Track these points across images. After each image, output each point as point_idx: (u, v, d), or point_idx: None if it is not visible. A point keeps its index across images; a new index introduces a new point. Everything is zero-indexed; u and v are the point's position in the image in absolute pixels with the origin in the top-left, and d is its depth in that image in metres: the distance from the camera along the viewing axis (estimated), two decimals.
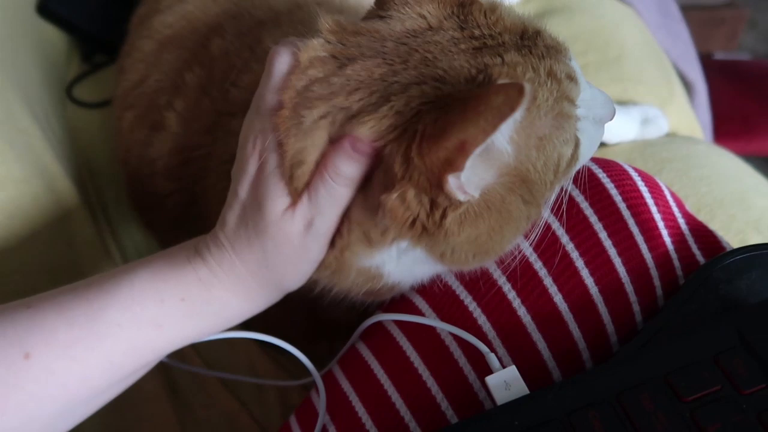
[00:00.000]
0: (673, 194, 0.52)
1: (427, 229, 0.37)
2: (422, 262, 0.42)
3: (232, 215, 0.41)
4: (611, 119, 0.44)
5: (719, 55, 1.76)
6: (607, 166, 0.50)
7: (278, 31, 0.61)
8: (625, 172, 0.50)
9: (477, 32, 0.39)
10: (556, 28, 0.89)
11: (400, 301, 0.49)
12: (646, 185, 0.49)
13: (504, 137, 0.36)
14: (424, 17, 0.40)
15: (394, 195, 0.36)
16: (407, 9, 0.41)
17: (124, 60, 0.68)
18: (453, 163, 0.33)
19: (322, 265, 0.43)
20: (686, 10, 1.63)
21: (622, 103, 0.83)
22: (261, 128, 0.39)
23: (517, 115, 0.32)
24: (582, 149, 0.41)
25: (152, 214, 0.69)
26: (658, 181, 0.52)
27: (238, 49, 0.61)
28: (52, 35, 0.88)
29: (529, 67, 0.38)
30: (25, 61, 0.77)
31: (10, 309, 0.39)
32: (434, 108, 0.36)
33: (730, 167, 0.76)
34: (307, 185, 0.38)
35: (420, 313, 0.47)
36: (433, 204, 0.37)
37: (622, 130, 0.79)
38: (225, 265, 0.40)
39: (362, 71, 0.38)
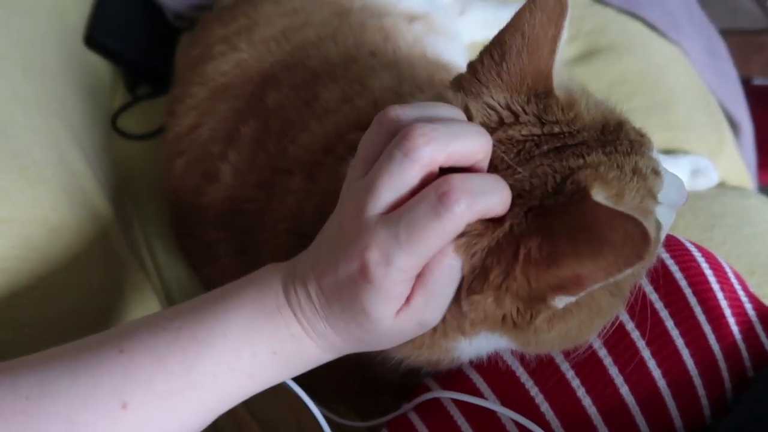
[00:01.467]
0: (736, 274, 0.51)
1: (517, 325, 0.37)
2: (495, 342, 0.42)
3: (327, 287, 0.36)
4: (684, 203, 0.43)
5: (758, 81, 1.73)
6: (669, 245, 0.49)
7: (335, 87, 0.61)
8: (687, 252, 0.49)
9: (557, 129, 0.37)
10: (602, 70, 0.89)
11: (456, 376, 0.48)
12: (710, 267, 0.48)
13: None
14: (494, 109, 0.38)
15: (489, 299, 0.35)
16: (477, 99, 0.38)
17: (175, 105, 0.69)
18: (565, 290, 0.33)
19: (412, 343, 0.41)
20: (725, 34, 1.61)
21: (671, 151, 0.82)
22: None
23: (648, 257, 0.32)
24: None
25: (200, 257, 0.69)
26: (720, 260, 0.51)
27: (294, 102, 0.61)
28: (98, 65, 0.88)
29: (613, 165, 0.37)
30: (72, 93, 0.78)
31: (101, 352, 0.38)
32: (534, 225, 0.34)
33: None
34: (418, 287, 0.35)
35: (478, 392, 0.46)
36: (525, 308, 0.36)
37: None
38: (319, 331, 0.39)
39: None
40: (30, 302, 0.54)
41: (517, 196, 0.35)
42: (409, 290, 0.35)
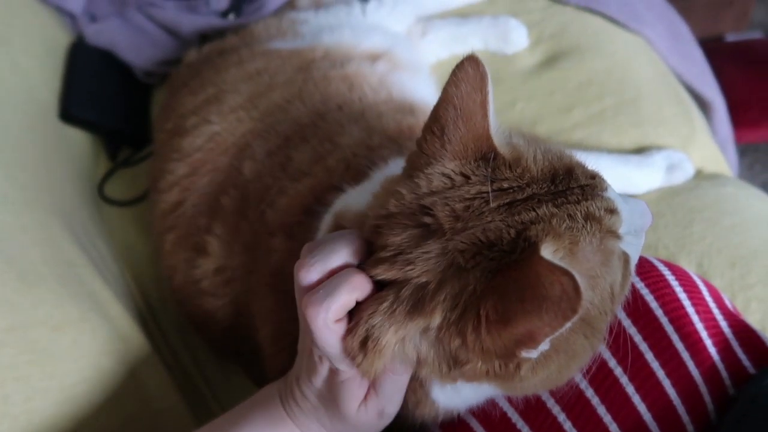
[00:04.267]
0: (710, 288, 0.53)
1: (501, 377, 0.39)
2: (482, 392, 0.45)
3: (310, 393, 0.45)
4: (650, 224, 0.45)
5: (731, 37, 1.73)
6: (642, 270, 0.51)
7: (306, 147, 0.63)
8: (661, 277, 0.51)
9: (506, 185, 0.39)
10: (568, 73, 0.90)
11: (457, 426, 0.51)
12: (684, 290, 0.50)
13: None
14: (448, 177, 0.40)
15: (470, 365, 0.38)
16: (430, 169, 0.41)
17: (158, 180, 0.70)
18: (525, 345, 0.36)
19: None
20: None
21: (644, 148, 0.83)
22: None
23: (581, 310, 0.34)
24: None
25: (202, 324, 0.72)
26: (693, 277, 0.53)
27: (269, 169, 0.63)
28: (77, 137, 0.90)
29: (564, 216, 0.38)
30: (56, 175, 0.80)
31: None
32: (489, 288, 0.36)
33: (761, 210, 0.76)
34: (371, 387, 0.42)
35: None
36: (506, 362, 0.39)
37: (648, 181, 0.80)
38: (314, 429, 0.47)
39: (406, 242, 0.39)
40: (48, 403, 0.57)
41: (476, 254, 0.37)
42: (366, 388, 0.43)
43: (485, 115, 0.40)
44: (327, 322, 0.38)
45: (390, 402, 0.43)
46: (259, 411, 0.47)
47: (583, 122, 0.86)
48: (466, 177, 0.40)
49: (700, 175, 0.84)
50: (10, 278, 0.59)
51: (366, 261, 0.40)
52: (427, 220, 0.38)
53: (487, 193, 0.39)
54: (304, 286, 0.40)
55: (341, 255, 0.40)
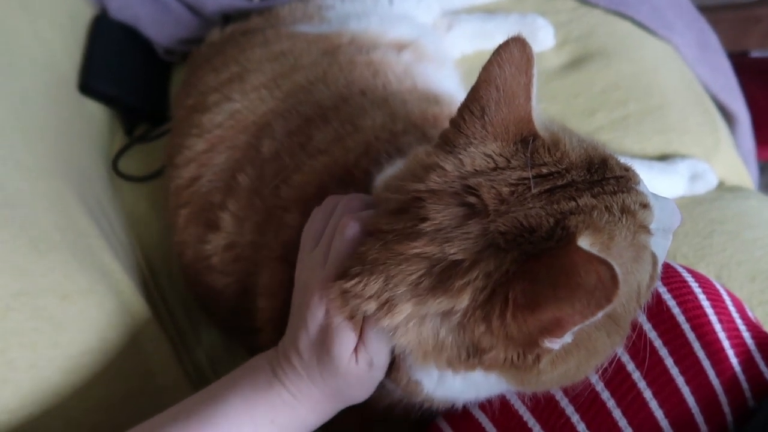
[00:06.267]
0: (734, 299, 0.52)
1: (518, 368, 0.38)
2: (493, 385, 0.44)
3: (303, 347, 0.45)
4: (679, 224, 0.44)
5: (756, 54, 1.71)
6: (666, 276, 0.50)
7: (328, 127, 0.62)
8: (685, 283, 0.50)
9: (545, 170, 0.39)
10: (594, 76, 0.89)
11: (466, 418, 0.50)
12: (707, 297, 0.49)
13: None
14: (490, 157, 0.40)
15: (492, 353, 0.37)
16: (472, 149, 0.41)
17: (175, 156, 0.70)
18: (550, 333, 0.35)
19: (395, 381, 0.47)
20: (720, 9, 1.59)
21: (667, 156, 0.82)
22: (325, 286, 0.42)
23: (616, 300, 0.33)
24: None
25: (209, 302, 0.71)
26: (717, 286, 0.52)
27: (288, 148, 0.62)
28: (94, 111, 0.89)
29: (603, 208, 0.38)
30: (72, 146, 0.79)
31: None
32: (521, 271, 0.36)
33: None
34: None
35: None
36: (525, 352, 0.38)
37: (670, 188, 0.78)
38: (304, 390, 0.46)
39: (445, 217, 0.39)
40: (52, 372, 0.56)
41: (516, 237, 0.37)
42: (356, 337, 0.43)
43: (528, 98, 0.40)
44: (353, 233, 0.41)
45: (378, 353, 0.43)
46: (247, 380, 0.47)
47: (605, 126, 0.84)
48: (507, 159, 0.40)
49: (722, 187, 0.82)
50: (22, 244, 0.58)
51: (399, 228, 0.39)
52: (472, 200, 0.38)
53: (529, 179, 0.39)
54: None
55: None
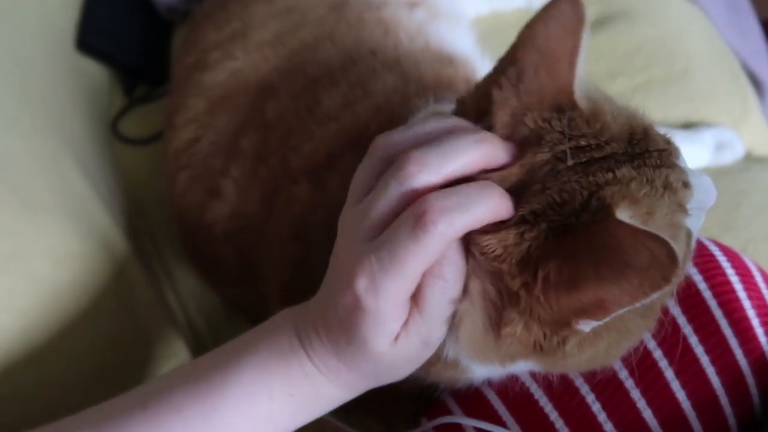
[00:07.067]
0: (763, 274, 0.49)
1: (544, 350, 0.35)
2: (517, 366, 0.41)
3: (332, 320, 0.36)
4: (713, 202, 0.41)
5: None
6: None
7: (336, 92, 0.59)
8: (712, 257, 0.47)
9: (584, 142, 0.35)
10: (616, 39, 0.85)
11: (476, 398, 0.48)
12: (736, 273, 0.46)
13: None
14: (527, 125, 0.36)
15: (519, 327, 0.34)
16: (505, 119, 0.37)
17: (174, 116, 0.67)
18: (588, 314, 0.32)
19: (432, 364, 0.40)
20: None
21: (693, 124, 0.78)
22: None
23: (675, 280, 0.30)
24: None
25: (209, 270, 0.69)
26: (746, 261, 0.49)
27: (294, 111, 0.59)
28: (93, 70, 0.86)
29: (643, 180, 0.34)
30: (69, 105, 0.76)
31: (127, 409, 0.39)
32: (556, 245, 0.32)
33: None
34: (414, 310, 0.35)
35: (499, 418, 0.46)
36: (553, 333, 0.35)
37: (694, 158, 0.75)
38: (331, 366, 0.38)
39: None
40: (45, 337, 0.54)
41: (544, 212, 0.33)
42: (406, 314, 0.34)
43: (573, 65, 0.36)
44: (443, 237, 0.31)
45: (439, 328, 0.36)
46: (266, 343, 0.39)
47: (627, 92, 0.80)
48: (539, 133, 0.35)
49: (749, 157, 0.78)
50: (13, 205, 0.55)
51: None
52: None
53: (565, 152, 0.35)
54: (412, 187, 0.33)
55: (471, 157, 0.34)
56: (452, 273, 0.34)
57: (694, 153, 0.75)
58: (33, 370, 0.53)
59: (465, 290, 0.35)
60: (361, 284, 0.33)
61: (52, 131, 0.67)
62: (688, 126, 0.78)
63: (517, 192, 0.34)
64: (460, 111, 0.39)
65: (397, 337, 0.35)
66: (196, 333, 0.73)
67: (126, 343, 0.62)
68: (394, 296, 0.33)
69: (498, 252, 0.33)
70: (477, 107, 0.38)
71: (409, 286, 0.33)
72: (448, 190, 0.33)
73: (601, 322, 0.33)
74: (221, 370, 0.39)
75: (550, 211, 0.33)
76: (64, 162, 0.66)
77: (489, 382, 0.47)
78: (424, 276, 0.33)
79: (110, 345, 0.60)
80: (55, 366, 0.55)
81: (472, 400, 0.47)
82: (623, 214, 0.31)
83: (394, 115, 0.52)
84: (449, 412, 0.48)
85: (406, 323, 0.35)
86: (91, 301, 0.59)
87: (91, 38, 0.83)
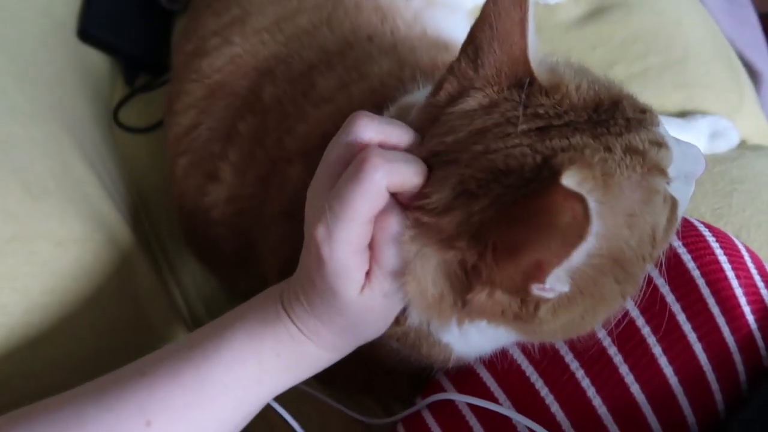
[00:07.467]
0: (752, 255, 0.49)
1: (520, 317, 0.36)
2: (497, 337, 0.42)
3: (307, 281, 0.40)
4: (702, 172, 0.41)
5: None
6: (681, 230, 0.47)
7: (332, 75, 0.60)
8: (701, 237, 0.47)
9: (541, 111, 0.36)
10: (612, 28, 0.85)
11: (468, 374, 0.48)
12: (724, 252, 0.47)
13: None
14: (478, 103, 0.37)
15: (482, 294, 0.35)
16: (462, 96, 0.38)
17: (174, 102, 0.67)
18: (533, 277, 0.32)
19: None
20: None
21: (688, 112, 0.79)
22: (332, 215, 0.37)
23: (590, 237, 0.30)
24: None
25: (209, 255, 0.70)
26: (735, 242, 0.49)
27: (291, 95, 0.60)
28: (94, 59, 0.87)
29: (600, 147, 0.35)
30: (71, 93, 0.77)
31: (126, 377, 0.42)
32: (502, 213, 0.33)
33: None
34: (372, 259, 0.37)
35: (490, 394, 0.46)
36: (524, 300, 0.35)
37: None
38: (311, 327, 0.42)
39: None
40: (46, 319, 0.55)
41: (491, 180, 0.34)
42: (366, 263, 0.37)
43: (523, 35, 0.36)
44: (383, 180, 0.34)
45: (390, 274, 0.37)
46: (255, 312, 0.43)
47: (624, 80, 0.78)
48: (495, 103, 0.37)
49: (744, 146, 0.79)
50: (15, 189, 0.56)
51: None
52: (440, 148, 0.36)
53: (518, 116, 0.35)
54: (356, 138, 0.37)
55: (407, 134, 0.38)
56: (396, 222, 0.36)
57: (690, 140, 0.74)
58: (35, 351, 0.54)
59: (416, 252, 0.36)
60: (320, 234, 0.36)
61: (54, 117, 0.68)
62: (683, 114, 0.79)
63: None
64: (434, 92, 0.39)
65: (363, 288, 0.38)
66: (196, 319, 0.74)
67: (127, 327, 0.63)
68: (347, 243, 0.36)
69: (450, 228, 0.34)
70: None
71: (361, 232, 0.36)
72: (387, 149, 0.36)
73: (549, 285, 0.33)
74: (214, 338, 0.42)
75: (494, 181, 0.34)
76: (65, 148, 0.66)
77: (481, 360, 0.48)
78: (375, 227, 0.36)
79: (111, 328, 0.61)
80: (58, 347, 0.56)
81: (464, 377, 0.48)
82: (571, 180, 0.32)
83: (389, 98, 0.53)
84: (442, 390, 0.49)
85: (368, 274, 0.38)
86: (92, 284, 0.59)
87: (92, 28, 0.83)
